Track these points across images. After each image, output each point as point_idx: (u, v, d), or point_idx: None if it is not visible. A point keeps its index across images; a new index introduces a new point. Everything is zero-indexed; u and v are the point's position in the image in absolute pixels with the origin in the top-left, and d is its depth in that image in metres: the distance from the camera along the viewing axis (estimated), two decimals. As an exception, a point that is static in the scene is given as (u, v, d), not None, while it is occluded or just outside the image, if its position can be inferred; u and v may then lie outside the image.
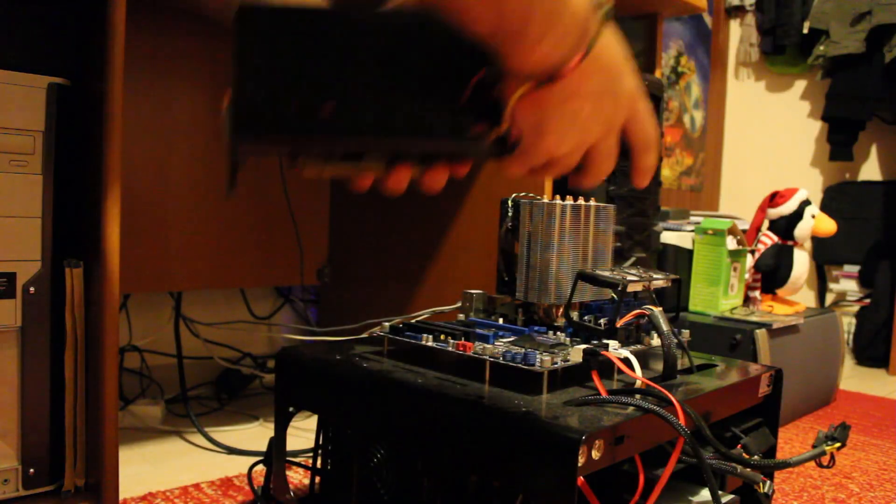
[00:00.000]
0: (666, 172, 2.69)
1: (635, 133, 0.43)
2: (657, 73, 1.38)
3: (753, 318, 1.38)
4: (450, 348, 0.71)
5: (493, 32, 0.35)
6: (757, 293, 1.55)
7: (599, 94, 0.38)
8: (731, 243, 1.46)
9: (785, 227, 1.54)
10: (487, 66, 0.38)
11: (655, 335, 0.75)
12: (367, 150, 0.41)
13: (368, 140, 0.40)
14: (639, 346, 0.75)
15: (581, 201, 0.81)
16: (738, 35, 2.87)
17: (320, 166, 0.41)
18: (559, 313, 0.80)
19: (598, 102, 0.38)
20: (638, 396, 0.62)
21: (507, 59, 0.36)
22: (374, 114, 0.40)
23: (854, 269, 2.48)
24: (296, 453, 1.06)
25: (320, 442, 0.80)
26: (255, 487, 0.90)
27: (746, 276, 1.53)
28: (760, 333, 1.31)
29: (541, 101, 0.37)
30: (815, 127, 2.69)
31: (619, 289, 0.73)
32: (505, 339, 0.73)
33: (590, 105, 0.38)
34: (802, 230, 1.53)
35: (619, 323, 0.73)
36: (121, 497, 0.85)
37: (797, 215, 1.53)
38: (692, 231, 1.50)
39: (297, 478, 0.99)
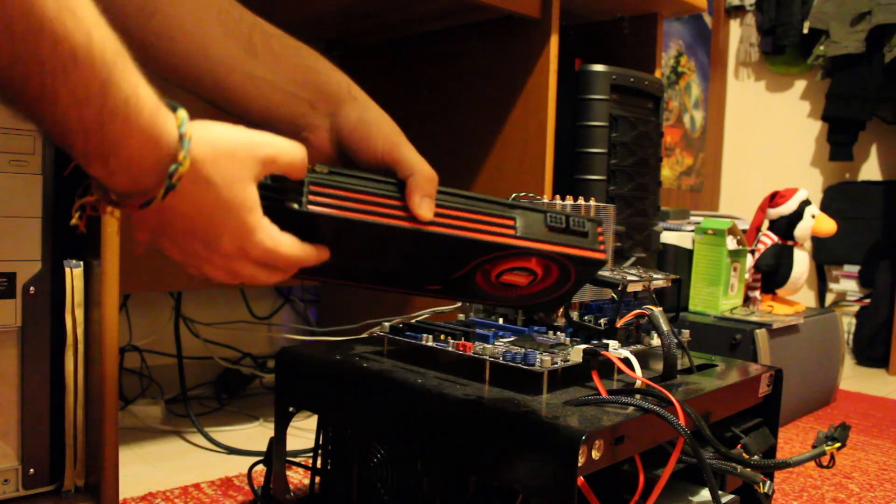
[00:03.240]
0: (666, 172, 2.69)
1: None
2: (657, 73, 1.38)
3: (753, 318, 1.38)
4: (450, 348, 0.71)
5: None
6: (757, 293, 1.55)
7: (185, 229, 0.48)
8: (731, 243, 1.46)
9: (785, 227, 1.54)
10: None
11: (655, 335, 0.75)
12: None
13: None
14: (639, 346, 0.75)
15: (581, 201, 0.81)
16: (738, 35, 2.87)
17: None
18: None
19: (185, 235, 0.48)
20: (638, 396, 0.62)
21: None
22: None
23: (854, 269, 2.48)
24: (296, 453, 1.06)
25: (320, 442, 0.80)
26: (255, 487, 0.90)
27: (746, 276, 1.53)
28: (760, 333, 1.31)
29: (145, 216, 0.47)
30: (815, 127, 2.69)
31: (619, 289, 0.73)
32: (505, 339, 0.73)
33: (181, 231, 0.48)
34: (802, 230, 1.53)
35: (619, 323, 0.73)
36: (121, 497, 0.85)
37: (797, 215, 1.53)
38: (692, 231, 1.50)
39: (297, 478, 0.99)
